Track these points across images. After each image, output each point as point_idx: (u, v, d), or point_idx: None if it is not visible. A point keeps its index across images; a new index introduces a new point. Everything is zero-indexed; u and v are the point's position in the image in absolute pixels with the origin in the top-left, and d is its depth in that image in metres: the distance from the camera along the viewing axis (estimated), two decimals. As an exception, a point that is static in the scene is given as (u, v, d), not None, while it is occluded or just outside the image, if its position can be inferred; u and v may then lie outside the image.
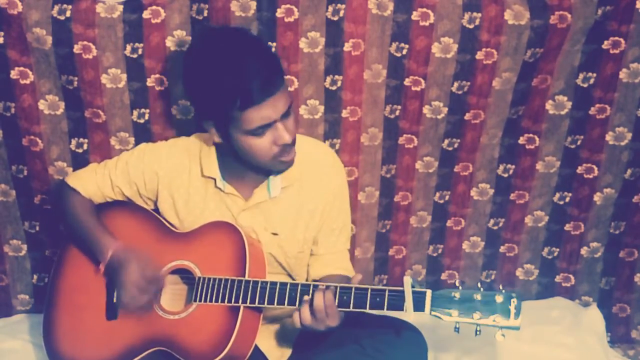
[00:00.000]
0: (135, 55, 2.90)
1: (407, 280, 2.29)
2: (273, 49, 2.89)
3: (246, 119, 2.44)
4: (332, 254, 2.78)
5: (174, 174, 2.74)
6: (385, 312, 2.39)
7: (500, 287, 2.28)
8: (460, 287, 2.30)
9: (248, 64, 2.41)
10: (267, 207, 2.69)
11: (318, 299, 2.38)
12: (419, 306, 2.29)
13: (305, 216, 2.72)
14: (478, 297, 2.26)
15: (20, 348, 3.16)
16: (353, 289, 2.38)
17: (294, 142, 2.57)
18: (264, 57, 2.46)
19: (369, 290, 2.37)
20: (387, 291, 2.35)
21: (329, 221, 2.75)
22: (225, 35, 2.57)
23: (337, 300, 2.38)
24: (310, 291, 2.43)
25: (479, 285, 2.30)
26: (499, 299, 2.24)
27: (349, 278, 2.68)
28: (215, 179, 2.69)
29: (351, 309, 2.37)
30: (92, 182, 2.81)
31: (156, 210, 2.81)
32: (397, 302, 2.33)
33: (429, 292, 2.30)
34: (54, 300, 2.80)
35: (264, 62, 2.43)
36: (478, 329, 2.27)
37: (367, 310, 2.37)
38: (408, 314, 2.31)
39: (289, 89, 2.91)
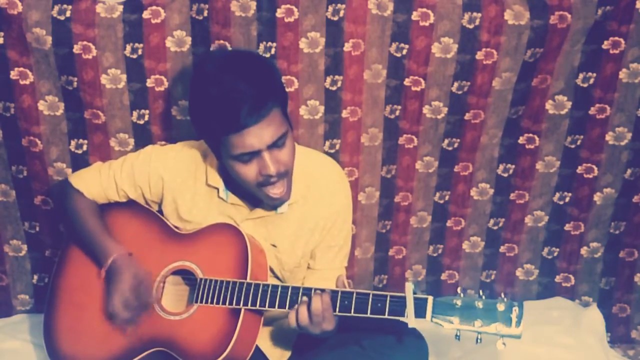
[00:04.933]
0: (135, 56, 2.90)
1: (409, 286, 2.30)
2: (271, 50, 2.90)
3: (231, 144, 2.44)
4: (328, 270, 2.77)
5: (179, 179, 2.74)
6: (386, 318, 2.39)
7: (502, 295, 2.28)
8: (461, 295, 2.30)
9: (237, 89, 2.38)
10: (270, 221, 2.70)
11: (316, 302, 2.38)
12: (420, 313, 2.29)
13: (306, 232, 2.72)
14: (479, 304, 2.25)
15: (20, 348, 3.16)
16: (354, 294, 2.39)
17: (283, 175, 2.53)
18: (256, 83, 2.41)
19: (370, 296, 2.37)
20: (388, 297, 2.35)
21: (328, 238, 2.75)
22: (226, 57, 2.60)
23: (338, 305, 2.39)
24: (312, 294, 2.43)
25: (481, 292, 2.30)
26: (501, 307, 2.24)
27: None
28: (218, 189, 2.69)
29: (352, 314, 2.38)
30: (96, 184, 2.81)
31: (160, 211, 2.81)
32: (399, 308, 2.33)
33: (430, 299, 2.30)
34: (54, 300, 2.81)
35: (254, 89, 2.39)
36: (479, 337, 2.26)
37: (368, 316, 2.37)
38: (409, 321, 2.31)
39: (289, 89, 2.91)
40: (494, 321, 2.24)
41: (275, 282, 2.73)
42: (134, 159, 2.80)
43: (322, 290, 2.41)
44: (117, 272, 2.63)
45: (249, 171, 2.49)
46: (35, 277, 3.37)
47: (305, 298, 2.42)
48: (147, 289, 2.63)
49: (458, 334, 2.28)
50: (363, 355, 2.59)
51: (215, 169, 2.69)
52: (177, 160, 2.75)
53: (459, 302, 2.28)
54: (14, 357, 3.11)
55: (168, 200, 2.75)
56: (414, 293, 2.30)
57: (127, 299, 2.60)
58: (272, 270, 2.72)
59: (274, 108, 2.44)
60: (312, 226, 2.71)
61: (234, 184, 2.66)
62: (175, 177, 2.74)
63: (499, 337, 2.24)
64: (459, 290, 2.32)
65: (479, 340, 2.26)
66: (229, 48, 2.88)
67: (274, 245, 2.70)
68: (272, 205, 2.64)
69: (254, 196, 2.65)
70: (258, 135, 2.41)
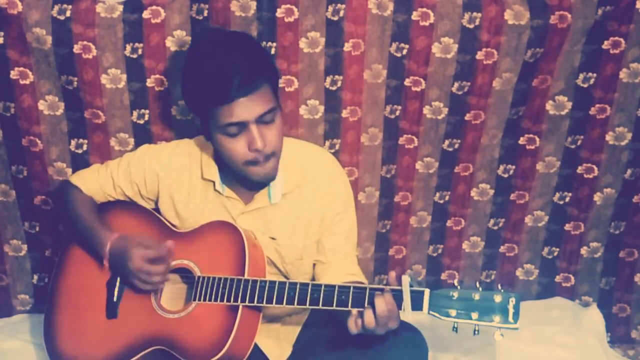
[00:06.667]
0: (135, 56, 2.91)
1: (405, 279, 2.29)
2: (271, 50, 2.91)
3: (219, 115, 2.45)
4: (339, 260, 2.75)
5: (174, 175, 2.74)
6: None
7: (499, 287, 2.28)
8: (458, 287, 2.29)
9: (229, 60, 2.41)
10: (266, 212, 2.70)
11: (380, 303, 2.32)
12: (417, 305, 2.28)
13: (304, 223, 2.71)
14: (476, 296, 2.25)
15: (20, 348, 3.16)
16: (351, 288, 2.38)
17: (271, 155, 2.54)
18: (249, 58, 2.44)
19: (367, 290, 2.36)
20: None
21: (331, 227, 2.74)
22: (221, 33, 2.63)
23: (335, 300, 2.38)
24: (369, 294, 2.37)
25: (478, 284, 2.29)
26: (498, 298, 2.24)
27: (362, 283, 2.61)
28: (214, 182, 2.70)
29: (350, 307, 2.36)
30: (94, 181, 2.83)
31: (157, 209, 2.81)
32: (396, 301, 2.32)
33: (427, 292, 2.29)
34: (54, 300, 2.81)
35: (247, 62, 2.42)
36: (476, 328, 2.26)
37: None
38: (406, 314, 2.31)
39: (289, 89, 2.92)
40: (491, 312, 2.23)
41: (278, 276, 2.74)
42: (130, 157, 2.82)
43: (381, 290, 2.36)
44: (121, 254, 2.62)
45: (236, 146, 2.49)
46: (35, 277, 3.37)
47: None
48: (157, 243, 2.60)
49: (455, 326, 2.27)
50: (361, 353, 2.57)
51: (211, 162, 2.70)
52: (171, 157, 2.77)
53: (455, 294, 2.27)
54: (14, 357, 3.12)
55: (164, 196, 2.76)
56: (411, 286, 2.30)
57: (145, 254, 2.57)
58: (274, 264, 2.72)
59: (265, 83, 2.47)
60: (309, 216, 2.71)
61: (229, 177, 2.67)
62: (170, 173, 2.75)
63: (496, 328, 2.23)
64: (456, 282, 2.31)
65: (476, 332, 2.26)
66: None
67: (273, 238, 2.69)
68: (261, 182, 2.62)
69: (249, 189, 2.67)
70: (247, 107, 2.43)
